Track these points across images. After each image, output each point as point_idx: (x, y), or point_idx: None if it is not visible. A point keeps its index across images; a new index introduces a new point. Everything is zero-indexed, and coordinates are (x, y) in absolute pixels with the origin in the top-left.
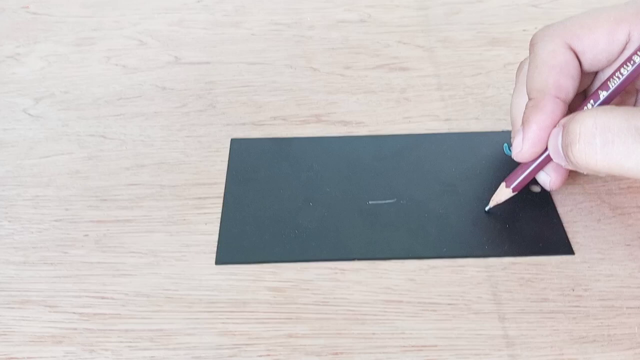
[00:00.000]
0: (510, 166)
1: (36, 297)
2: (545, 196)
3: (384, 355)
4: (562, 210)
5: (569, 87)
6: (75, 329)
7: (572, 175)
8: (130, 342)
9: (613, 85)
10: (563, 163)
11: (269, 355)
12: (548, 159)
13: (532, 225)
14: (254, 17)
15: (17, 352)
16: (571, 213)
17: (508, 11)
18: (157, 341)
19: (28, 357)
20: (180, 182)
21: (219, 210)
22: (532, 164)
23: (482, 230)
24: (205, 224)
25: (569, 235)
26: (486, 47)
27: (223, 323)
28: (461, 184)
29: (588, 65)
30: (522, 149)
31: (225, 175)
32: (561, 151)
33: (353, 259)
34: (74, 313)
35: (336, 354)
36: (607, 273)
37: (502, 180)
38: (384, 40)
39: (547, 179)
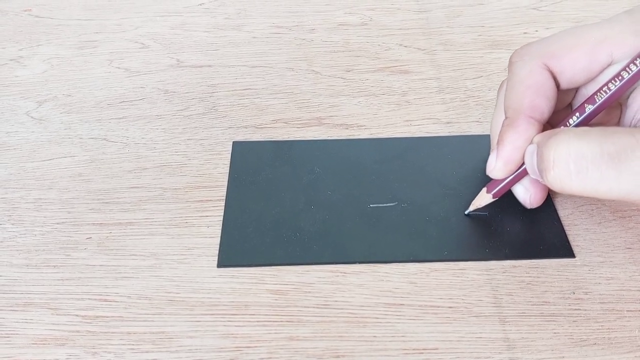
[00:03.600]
0: None
1: (39, 299)
2: (546, 199)
3: (384, 358)
4: (562, 213)
5: (543, 107)
6: (78, 331)
7: None
8: (133, 344)
9: (600, 99)
10: (540, 179)
11: (270, 357)
12: (525, 172)
13: (532, 228)
14: (255, 21)
15: (20, 355)
16: (572, 216)
17: (509, 14)
18: (159, 344)
19: None
20: (182, 185)
21: (221, 213)
22: (511, 175)
23: (483, 233)
24: (207, 227)
25: (570, 238)
26: (487, 50)
27: (225, 325)
28: (462, 187)
29: (566, 84)
30: (495, 167)
31: (227, 178)
32: (537, 170)
33: (354, 262)
34: (76, 315)
35: (337, 356)
36: (608, 276)
37: None
38: (385, 43)
39: (527, 194)
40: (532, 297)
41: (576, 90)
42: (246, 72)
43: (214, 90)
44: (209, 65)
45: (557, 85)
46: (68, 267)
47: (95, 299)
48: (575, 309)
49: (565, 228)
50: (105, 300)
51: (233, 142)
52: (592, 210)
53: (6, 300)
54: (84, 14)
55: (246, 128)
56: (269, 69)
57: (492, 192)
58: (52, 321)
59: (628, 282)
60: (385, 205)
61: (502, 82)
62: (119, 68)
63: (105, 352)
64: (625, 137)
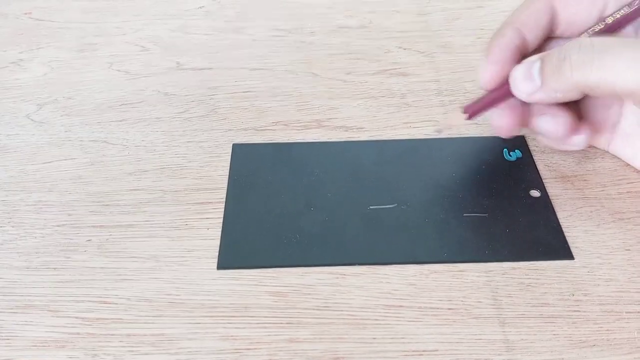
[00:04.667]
0: (511, 171)
1: (39, 301)
2: (545, 201)
3: (384, 359)
4: (561, 215)
5: (532, 28)
6: (78, 333)
7: (572, 180)
8: (132, 346)
9: (610, 20)
10: (525, 92)
11: (270, 359)
12: (506, 94)
13: (531, 230)
14: (255, 23)
15: (19, 357)
16: (571, 218)
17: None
18: (159, 346)
19: None
20: (182, 187)
21: (221, 215)
22: (490, 96)
23: (482, 235)
24: (207, 229)
25: (569, 240)
26: None
27: (224, 328)
28: (461, 189)
29: (566, 24)
30: (484, 72)
31: (227, 180)
32: (535, 74)
33: (354, 264)
34: (76, 318)
35: (337, 358)
36: (607, 278)
37: (502, 185)
38: (385, 45)
39: (502, 120)
40: (531, 299)
41: None
42: (246, 74)
43: (214, 93)
44: (209, 68)
45: (554, 29)
46: (68, 270)
47: (95, 301)
48: (575, 311)
49: (564, 230)
50: (105, 303)
51: (233, 144)
52: (591, 212)
53: (6, 302)
54: (84, 17)
55: (246, 130)
56: (268, 72)
57: (468, 111)
58: (52, 323)
59: (627, 284)
60: (384, 207)
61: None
62: (119, 71)
63: (105, 354)
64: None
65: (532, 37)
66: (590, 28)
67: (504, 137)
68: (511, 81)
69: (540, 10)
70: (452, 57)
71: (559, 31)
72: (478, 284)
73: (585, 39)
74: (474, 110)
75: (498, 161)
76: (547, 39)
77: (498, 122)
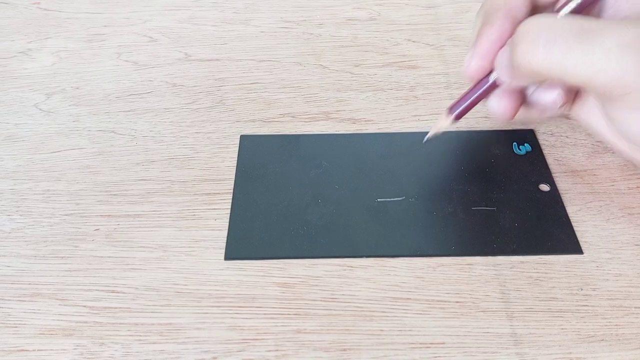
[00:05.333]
0: (520, 165)
1: (47, 290)
2: (554, 195)
3: (391, 351)
4: (571, 209)
5: (519, 5)
6: (86, 322)
7: (581, 175)
8: (140, 335)
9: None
10: (507, 78)
11: (277, 350)
12: (492, 86)
13: (540, 224)
14: (263, 15)
15: (27, 345)
16: (580, 212)
17: None
18: (167, 335)
19: (38, 350)
20: (190, 178)
21: (228, 206)
22: (477, 89)
23: (491, 228)
24: (215, 220)
25: (578, 235)
26: None
27: (232, 318)
28: (470, 182)
29: None
30: (469, 65)
31: (235, 171)
32: (510, 63)
33: (361, 256)
34: (84, 306)
35: (344, 349)
36: (616, 273)
37: (511, 178)
38: (393, 38)
39: (500, 104)
40: (539, 293)
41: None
42: (254, 66)
43: (221, 84)
44: (217, 59)
45: None
46: (76, 259)
47: (102, 290)
48: (583, 305)
49: (574, 224)
50: (113, 292)
51: (241, 135)
52: (601, 207)
53: (14, 290)
54: (93, 7)
55: (254, 122)
56: (276, 63)
57: (454, 113)
58: (59, 312)
59: (636, 279)
60: (392, 199)
61: (480, 7)
62: (127, 61)
63: (113, 342)
64: (597, 21)
65: (519, 15)
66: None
67: (506, 121)
68: (496, 70)
69: None
70: (461, 50)
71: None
72: (486, 278)
73: (533, 23)
74: (460, 112)
75: (507, 155)
76: None
77: (497, 109)
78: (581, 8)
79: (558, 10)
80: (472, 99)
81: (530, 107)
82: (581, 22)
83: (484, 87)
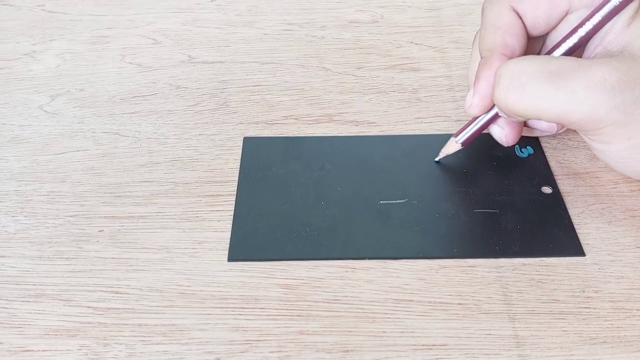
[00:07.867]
0: (522, 168)
1: (51, 291)
2: (557, 197)
3: (393, 353)
4: (573, 211)
5: (514, 44)
6: (90, 323)
7: (584, 177)
8: (144, 336)
9: (583, 32)
10: (504, 115)
11: (280, 351)
12: (495, 117)
13: (543, 226)
14: (266, 17)
15: (32, 345)
16: (582, 215)
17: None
18: (170, 336)
19: (43, 350)
20: (193, 180)
21: (232, 207)
22: (480, 120)
23: (493, 230)
24: (218, 221)
25: (580, 237)
26: None
27: (235, 319)
28: (472, 185)
29: (530, 27)
30: (471, 103)
31: (238, 173)
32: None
33: (364, 258)
34: (88, 307)
35: (346, 351)
36: (618, 275)
37: (513, 181)
38: (396, 40)
39: (502, 132)
40: (541, 295)
41: (543, 42)
42: (257, 68)
43: (225, 86)
44: (221, 62)
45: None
46: (80, 260)
47: (106, 291)
48: (585, 308)
49: (576, 226)
50: (117, 293)
51: (244, 137)
52: (603, 209)
53: (19, 291)
54: (97, 9)
55: (257, 124)
56: (280, 66)
57: (461, 141)
58: (63, 312)
59: (638, 281)
60: (395, 201)
61: (476, 33)
62: (131, 63)
63: (117, 343)
64: (568, 61)
65: (516, 53)
66: (563, 41)
67: (508, 146)
68: (496, 107)
69: (513, 23)
70: (464, 53)
71: (529, 32)
72: (488, 280)
73: (507, 68)
74: (466, 139)
75: (509, 157)
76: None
77: (499, 136)
78: (575, 48)
79: (552, 50)
80: (476, 128)
81: (532, 130)
82: (553, 63)
83: (486, 118)
